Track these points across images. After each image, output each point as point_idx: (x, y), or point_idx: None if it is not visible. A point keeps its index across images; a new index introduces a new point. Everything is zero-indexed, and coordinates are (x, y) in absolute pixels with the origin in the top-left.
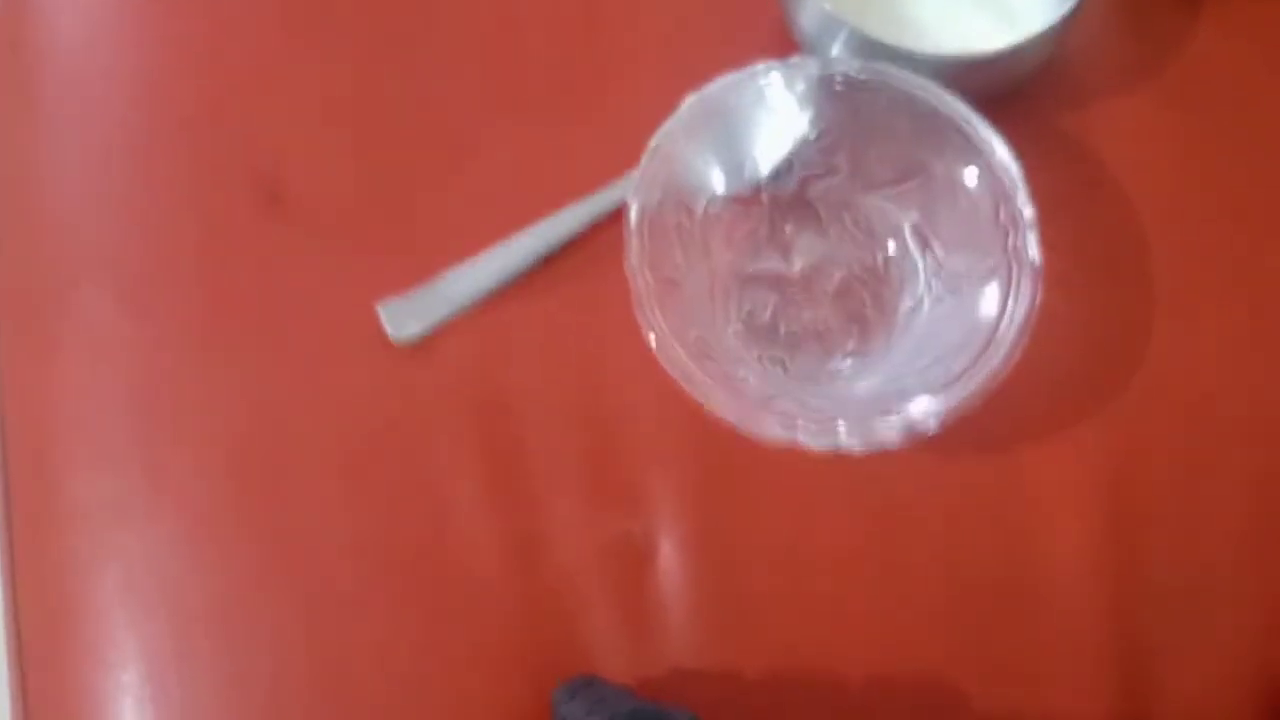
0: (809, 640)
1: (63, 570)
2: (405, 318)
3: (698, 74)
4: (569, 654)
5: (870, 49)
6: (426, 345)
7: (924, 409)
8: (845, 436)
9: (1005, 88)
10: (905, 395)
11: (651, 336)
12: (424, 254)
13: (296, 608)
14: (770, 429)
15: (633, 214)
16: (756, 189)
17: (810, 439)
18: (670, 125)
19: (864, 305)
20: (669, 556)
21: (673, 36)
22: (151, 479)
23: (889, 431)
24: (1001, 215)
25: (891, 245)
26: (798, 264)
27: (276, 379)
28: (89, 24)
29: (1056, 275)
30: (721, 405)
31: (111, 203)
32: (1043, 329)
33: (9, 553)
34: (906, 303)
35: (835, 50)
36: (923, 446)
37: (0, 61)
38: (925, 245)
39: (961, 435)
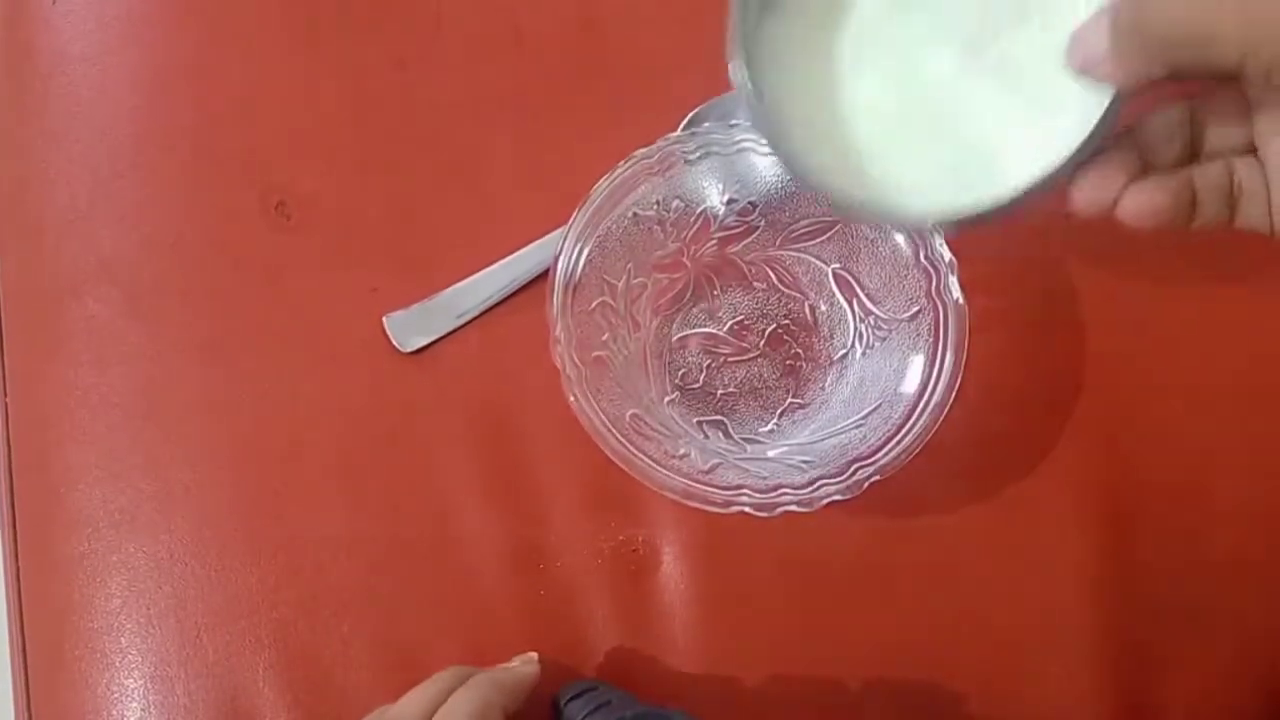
0: (809, 645)
1: (68, 577)
2: (411, 329)
3: (702, 90)
4: (572, 659)
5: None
6: (431, 356)
7: (869, 467)
8: (790, 503)
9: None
10: (847, 452)
11: (586, 423)
12: (429, 266)
13: (301, 613)
14: (715, 502)
15: (555, 301)
16: (678, 255)
17: (756, 510)
18: (576, 219)
19: (796, 357)
20: (670, 563)
21: (677, 52)
22: (157, 486)
23: (834, 495)
24: (922, 259)
25: (817, 295)
26: (726, 322)
27: (282, 388)
28: (98, 33)
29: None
30: (664, 485)
31: (118, 211)
32: (1029, 343)
33: (14, 560)
34: (838, 350)
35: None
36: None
37: (9, 69)
38: (850, 293)
39: (960, 450)
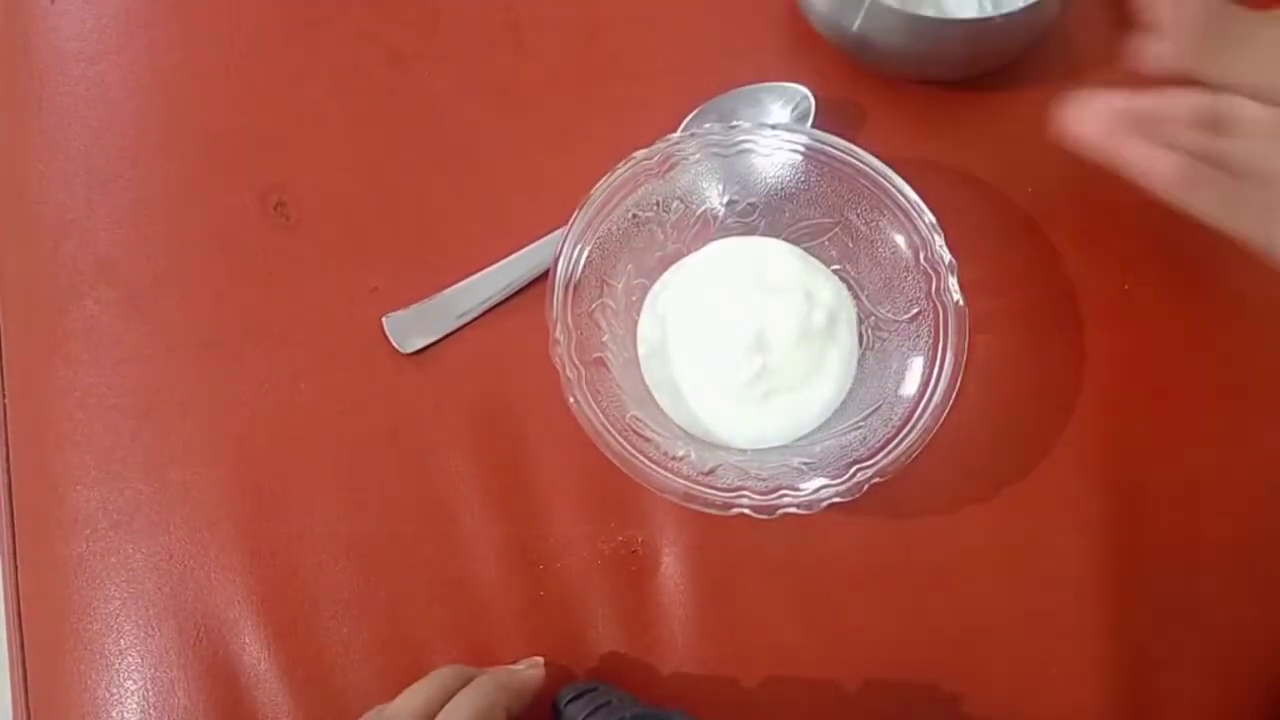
0: (808, 645)
1: (67, 578)
2: (410, 330)
3: (702, 90)
4: (572, 659)
5: (888, 17)
6: (431, 356)
7: (869, 469)
8: (790, 505)
9: (1018, 50)
10: (847, 454)
11: (586, 424)
12: (428, 266)
13: (301, 614)
14: (715, 504)
15: (555, 302)
16: (678, 256)
17: (755, 511)
18: (576, 220)
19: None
20: (670, 564)
21: (677, 52)
22: (156, 487)
23: (834, 497)
24: (922, 261)
25: None
26: None
27: (282, 388)
28: (96, 33)
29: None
30: (663, 486)
31: (117, 211)
32: (1029, 343)
33: (13, 561)
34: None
35: (856, 23)
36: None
37: (7, 68)
38: (852, 293)
39: (960, 451)
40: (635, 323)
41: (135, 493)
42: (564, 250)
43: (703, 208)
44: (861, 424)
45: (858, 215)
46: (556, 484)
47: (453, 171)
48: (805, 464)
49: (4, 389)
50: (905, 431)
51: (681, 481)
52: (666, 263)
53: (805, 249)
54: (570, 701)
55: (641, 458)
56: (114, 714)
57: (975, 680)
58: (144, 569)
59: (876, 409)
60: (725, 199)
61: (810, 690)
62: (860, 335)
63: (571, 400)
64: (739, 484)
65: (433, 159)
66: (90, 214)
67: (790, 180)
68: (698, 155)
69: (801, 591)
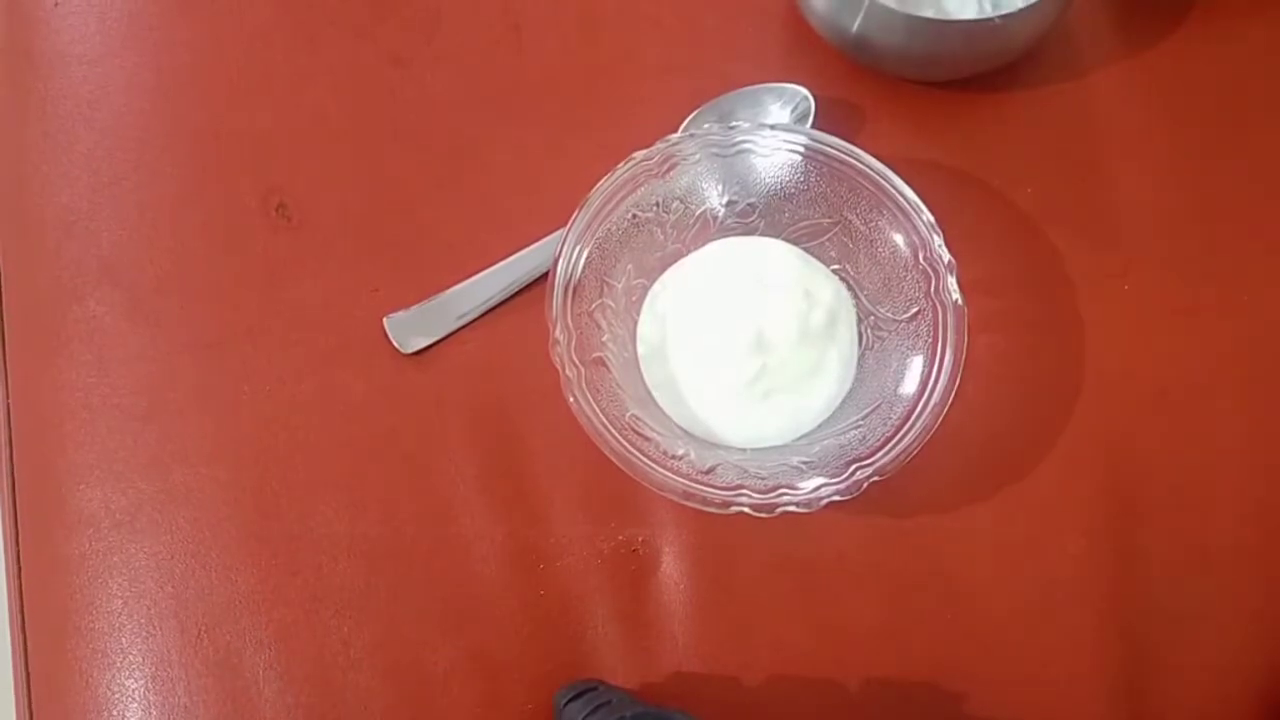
0: (808, 645)
1: (69, 577)
2: (411, 330)
3: (701, 91)
4: (572, 658)
5: (888, 18)
6: (431, 356)
7: (868, 467)
8: (789, 503)
9: (1018, 50)
10: (846, 453)
11: (586, 424)
12: (429, 267)
13: (301, 613)
14: (714, 503)
15: (555, 302)
16: (678, 256)
17: (755, 510)
18: (576, 221)
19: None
20: (670, 563)
21: (677, 52)
22: (158, 487)
23: (834, 495)
24: (921, 260)
25: None
26: None
27: (282, 388)
28: (99, 35)
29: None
30: (663, 485)
31: (119, 213)
32: (1029, 343)
33: (16, 560)
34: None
35: (856, 24)
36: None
37: (10, 71)
38: (852, 292)
39: (960, 450)
40: (635, 323)
41: (138, 492)
42: (564, 251)
43: (702, 208)
44: (861, 423)
45: (857, 215)
46: (556, 484)
47: (453, 172)
48: (804, 463)
49: (7, 389)
50: (904, 430)
51: (681, 480)
52: (666, 263)
53: (805, 249)
54: (570, 701)
55: (641, 457)
56: (116, 712)
57: (975, 680)
58: (146, 568)
59: (876, 408)
60: (725, 199)
61: (810, 689)
62: (860, 335)
63: (571, 400)
64: (738, 483)
65: (433, 159)
66: (93, 215)
67: (790, 180)
68: (697, 156)
69: (801, 590)
